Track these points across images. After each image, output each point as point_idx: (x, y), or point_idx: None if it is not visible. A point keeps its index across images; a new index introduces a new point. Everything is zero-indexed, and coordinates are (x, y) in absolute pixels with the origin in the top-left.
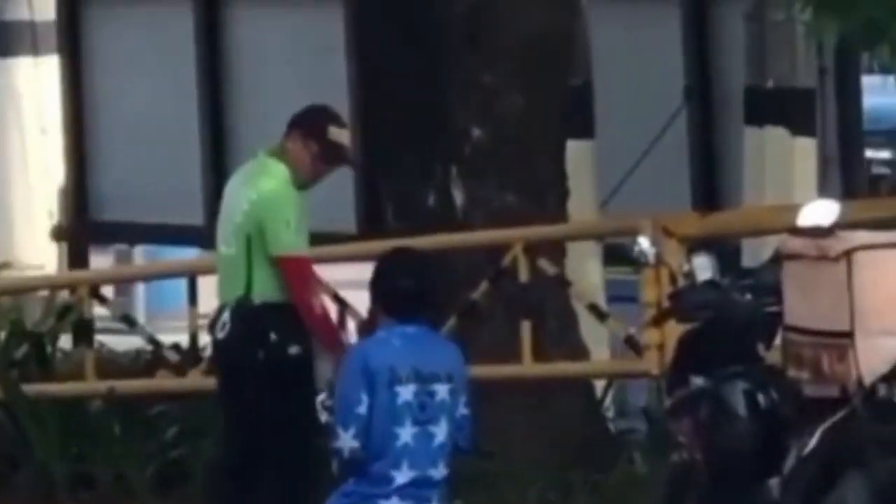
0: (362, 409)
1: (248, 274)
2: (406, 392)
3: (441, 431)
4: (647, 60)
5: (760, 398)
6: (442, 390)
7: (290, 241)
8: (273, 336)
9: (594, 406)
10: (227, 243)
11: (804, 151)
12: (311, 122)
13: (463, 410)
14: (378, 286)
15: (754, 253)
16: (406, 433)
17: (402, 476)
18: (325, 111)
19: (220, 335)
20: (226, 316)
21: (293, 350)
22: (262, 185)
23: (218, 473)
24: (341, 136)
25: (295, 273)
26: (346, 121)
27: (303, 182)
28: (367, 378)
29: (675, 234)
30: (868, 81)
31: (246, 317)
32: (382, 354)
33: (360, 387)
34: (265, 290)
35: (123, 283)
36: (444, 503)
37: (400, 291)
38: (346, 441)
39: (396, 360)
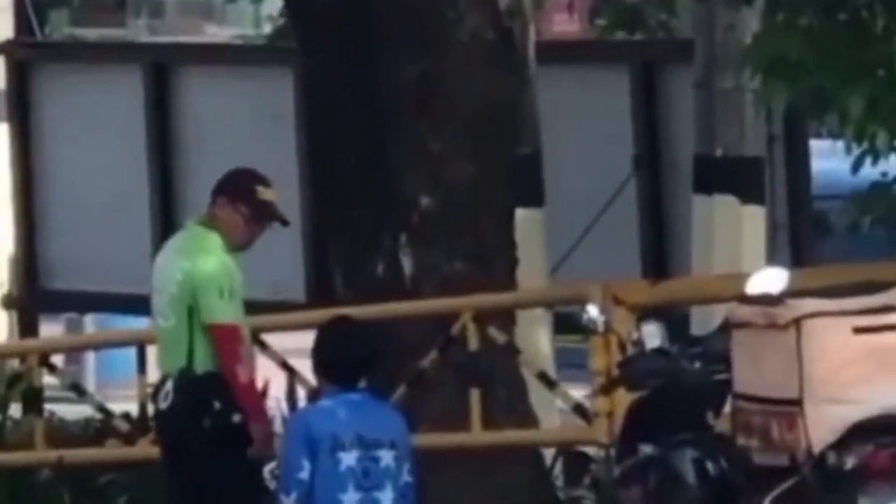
0: (303, 475)
1: (189, 344)
2: (349, 458)
3: (386, 498)
4: (597, 128)
5: (710, 466)
6: (386, 456)
7: (222, 309)
8: (217, 405)
9: (543, 474)
10: (165, 316)
11: (753, 219)
12: (237, 186)
13: (406, 478)
14: (319, 355)
15: (703, 321)
16: (350, 499)
17: None
18: (250, 173)
19: (164, 405)
20: (168, 386)
21: (237, 418)
22: (195, 255)
23: None
24: (269, 194)
25: (223, 340)
26: (291, 183)
27: (237, 246)
28: (309, 445)
29: (624, 302)
30: (816, 146)
31: (189, 387)
32: (324, 421)
33: (302, 453)
34: (207, 359)
35: (73, 352)
36: None
37: (341, 360)
38: None
39: (338, 427)
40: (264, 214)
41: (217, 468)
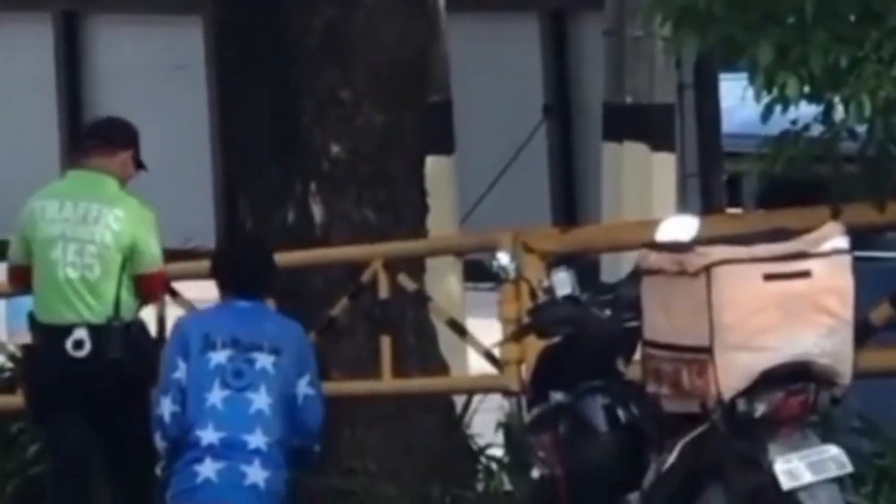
0: (178, 374)
1: (116, 293)
2: (218, 357)
3: (260, 399)
4: (507, 76)
5: (620, 413)
6: (263, 359)
7: (160, 256)
8: (148, 351)
9: (454, 422)
10: (87, 267)
11: (663, 167)
12: (130, 135)
13: (307, 390)
14: (215, 262)
15: (614, 268)
16: (214, 396)
17: (207, 436)
18: (124, 121)
19: (79, 354)
20: (80, 335)
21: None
22: (121, 202)
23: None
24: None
25: (160, 286)
26: (201, 131)
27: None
28: (184, 344)
29: (534, 250)
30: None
31: (118, 336)
32: (199, 322)
33: (177, 353)
34: (131, 307)
35: None
36: (274, 471)
37: (234, 266)
38: (167, 406)
39: (212, 327)
40: (139, 162)
41: (140, 412)
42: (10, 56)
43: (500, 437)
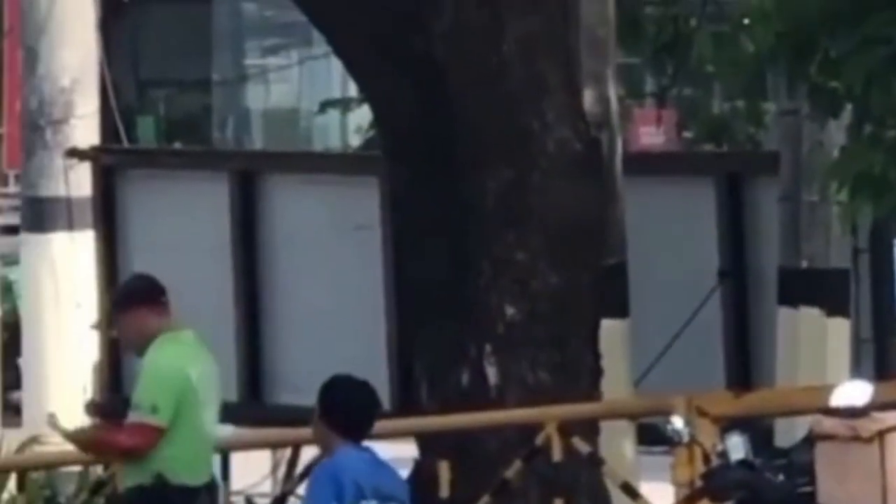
0: None
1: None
2: None
3: None
4: (682, 239)
5: None
6: None
7: None
8: None
9: None
10: (215, 426)
11: (838, 332)
12: None
13: None
14: (337, 412)
15: (788, 432)
16: None
17: None
18: None
19: None
20: (203, 492)
21: None
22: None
23: None
24: None
25: None
26: (376, 292)
27: None
28: (338, 492)
29: (708, 414)
30: None
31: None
32: (348, 470)
33: (331, 499)
34: None
35: None
36: None
37: (359, 416)
38: None
39: (362, 476)
40: None
41: None
42: (187, 216)
43: None
